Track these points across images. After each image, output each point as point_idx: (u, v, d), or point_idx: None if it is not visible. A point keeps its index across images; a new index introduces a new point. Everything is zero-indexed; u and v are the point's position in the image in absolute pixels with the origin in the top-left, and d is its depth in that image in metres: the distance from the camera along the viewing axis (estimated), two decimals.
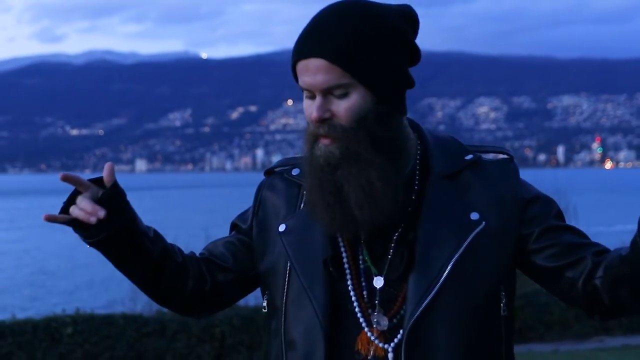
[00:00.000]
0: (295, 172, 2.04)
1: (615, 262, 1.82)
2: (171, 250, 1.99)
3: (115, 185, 1.84)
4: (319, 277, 1.90)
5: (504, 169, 1.96)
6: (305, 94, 1.89)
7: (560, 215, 1.96)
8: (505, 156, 2.00)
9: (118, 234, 1.85)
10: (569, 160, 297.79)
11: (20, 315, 11.57)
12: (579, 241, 1.91)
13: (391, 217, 1.86)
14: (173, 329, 10.98)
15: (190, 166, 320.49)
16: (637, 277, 1.77)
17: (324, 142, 1.86)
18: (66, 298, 23.73)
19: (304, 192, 1.99)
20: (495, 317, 1.90)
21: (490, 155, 2.01)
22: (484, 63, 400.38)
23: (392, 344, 1.85)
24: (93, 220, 1.80)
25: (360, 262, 1.91)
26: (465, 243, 1.86)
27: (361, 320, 1.88)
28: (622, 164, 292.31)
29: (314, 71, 1.84)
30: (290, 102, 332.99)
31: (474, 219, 1.88)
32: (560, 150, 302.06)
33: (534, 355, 11.18)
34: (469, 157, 1.95)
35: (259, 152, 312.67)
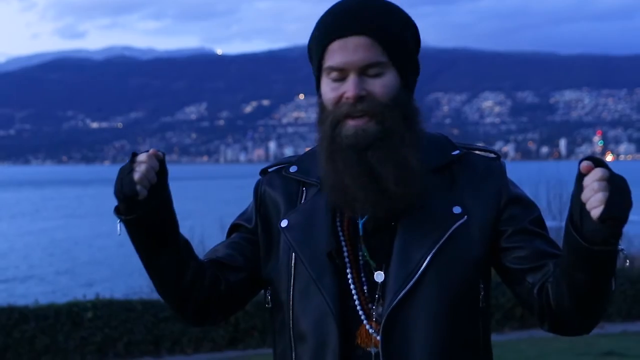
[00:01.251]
0: (293, 169, 2.03)
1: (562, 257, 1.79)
2: (192, 247, 1.97)
3: (164, 162, 1.85)
4: (328, 269, 1.89)
5: (490, 166, 1.97)
6: (332, 75, 1.89)
7: (538, 222, 1.94)
8: (492, 155, 2.01)
9: (157, 209, 1.83)
10: (570, 152, 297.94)
11: (44, 302, 11.69)
12: (547, 250, 1.89)
13: (420, 195, 1.86)
14: None
15: (205, 158, 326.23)
16: (573, 260, 1.72)
17: (355, 122, 1.86)
18: (87, 288, 23.33)
19: (304, 189, 1.99)
20: (473, 309, 1.90)
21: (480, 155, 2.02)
22: (489, 59, 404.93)
23: None
24: (143, 192, 1.79)
25: (360, 257, 1.91)
26: (445, 236, 1.85)
27: (360, 313, 1.87)
28: (622, 157, 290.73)
29: (353, 49, 1.85)
30: (302, 96, 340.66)
31: (456, 212, 1.88)
32: (563, 143, 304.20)
33: (535, 341, 11.21)
34: (456, 152, 1.96)
35: (272, 145, 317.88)
